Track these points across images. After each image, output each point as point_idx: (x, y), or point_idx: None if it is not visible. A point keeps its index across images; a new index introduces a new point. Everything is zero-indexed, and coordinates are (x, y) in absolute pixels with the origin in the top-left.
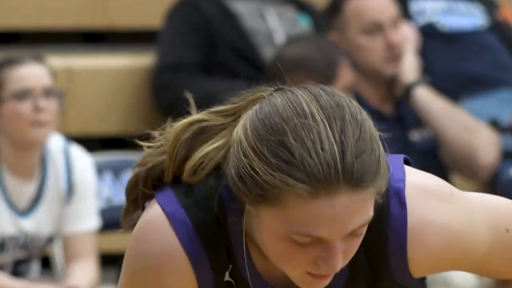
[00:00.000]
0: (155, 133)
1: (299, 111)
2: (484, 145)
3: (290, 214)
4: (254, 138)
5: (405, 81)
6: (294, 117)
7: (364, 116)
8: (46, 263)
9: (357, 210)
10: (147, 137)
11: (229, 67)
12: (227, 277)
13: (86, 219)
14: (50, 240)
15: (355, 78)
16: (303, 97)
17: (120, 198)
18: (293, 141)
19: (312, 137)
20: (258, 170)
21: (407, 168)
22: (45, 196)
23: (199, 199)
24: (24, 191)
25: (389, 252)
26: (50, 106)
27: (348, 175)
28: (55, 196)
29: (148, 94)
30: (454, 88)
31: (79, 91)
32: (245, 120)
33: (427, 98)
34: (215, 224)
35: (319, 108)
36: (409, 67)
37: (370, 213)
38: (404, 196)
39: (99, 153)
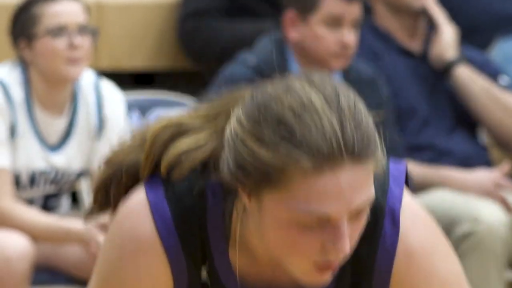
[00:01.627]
0: (132, 132)
1: (293, 92)
2: None
3: (295, 193)
4: (251, 125)
5: (444, 58)
6: (289, 98)
7: (354, 94)
8: (75, 198)
9: (360, 184)
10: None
11: (251, 9)
12: (203, 275)
13: None
14: (80, 175)
15: (383, 12)
16: (294, 79)
17: None
18: (292, 119)
19: (309, 113)
20: (259, 153)
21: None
22: (76, 131)
23: (183, 194)
24: (55, 126)
25: (375, 270)
26: (84, 43)
27: (350, 147)
28: (85, 131)
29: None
30: (489, 27)
31: (109, 26)
32: (237, 114)
33: (467, 79)
34: (196, 221)
35: (312, 88)
36: (448, 42)
37: (372, 190)
38: (399, 218)
39: (129, 89)
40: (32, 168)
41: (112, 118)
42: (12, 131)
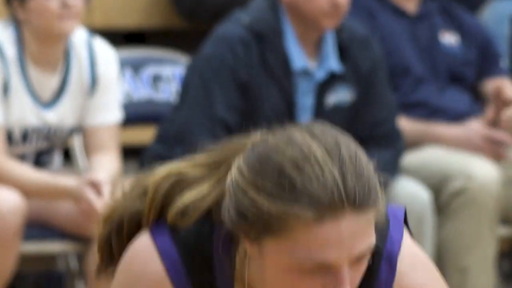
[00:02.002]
0: (126, 185)
1: (294, 143)
2: None
3: (296, 241)
4: (252, 175)
5: None
6: (289, 149)
7: (354, 143)
8: (67, 154)
9: (361, 232)
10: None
11: None
12: None
13: (109, 111)
14: (72, 132)
15: None
16: (294, 130)
17: (139, 93)
18: (292, 171)
19: (310, 164)
20: (260, 204)
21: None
22: (69, 89)
23: (189, 239)
24: (48, 83)
25: None
26: (77, 2)
27: (351, 198)
28: (78, 88)
29: None
30: None
31: None
32: (238, 164)
33: None
34: (203, 263)
35: (312, 138)
36: None
37: (373, 237)
38: (396, 262)
39: (122, 47)
40: (25, 124)
41: (105, 76)
42: (5, 88)
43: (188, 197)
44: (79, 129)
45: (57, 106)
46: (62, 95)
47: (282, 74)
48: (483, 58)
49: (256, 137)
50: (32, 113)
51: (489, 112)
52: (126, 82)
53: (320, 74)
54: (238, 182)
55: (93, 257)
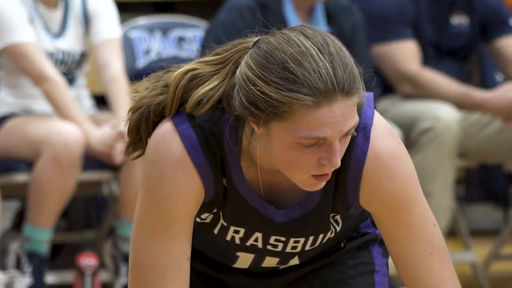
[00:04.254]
0: (145, 82)
1: (292, 43)
2: None
3: (298, 123)
4: (259, 70)
5: None
6: (289, 48)
7: (339, 41)
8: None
9: (349, 113)
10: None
11: None
12: (224, 182)
13: (108, 30)
14: (83, 56)
15: None
16: (290, 32)
17: (167, 52)
18: (294, 65)
19: (307, 59)
20: (269, 93)
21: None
22: (70, 21)
23: (203, 123)
24: (54, 17)
25: (348, 173)
26: None
27: (341, 85)
28: (78, 20)
29: None
30: None
31: None
32: (246, 61)
33: None
34: (215, 142)
35: (306, 38)
36: None
37: (357, 117)
38: (370, 132)
39: (150, 15)
40: (44, 50)
41: (95, 8)
42: (31, 20)
43: (202, 90)
44: (87, 53)
45: (65, 36)
46: (67, 27)
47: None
48: (492, 21)
49: (257, 39)
50: (47, 42)
51: None
52: (157, 43)
53: None
54: (248, 76)
55: (126, 182)
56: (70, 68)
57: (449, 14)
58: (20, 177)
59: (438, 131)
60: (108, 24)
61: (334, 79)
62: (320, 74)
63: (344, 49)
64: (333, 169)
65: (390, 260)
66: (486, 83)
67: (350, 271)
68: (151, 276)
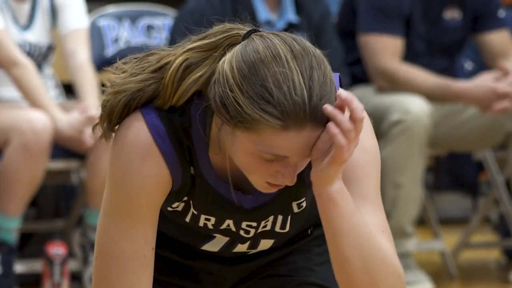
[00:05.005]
0: (127, 64)
1: (278, 59)
2: None
3: (264, 139)
4: (240, 77)
5: None
6: (273, 65)
7: (326, 62)
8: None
9: (315, 138)
10: None
11: None
12: (192, 171)
13: (75, 21)
14: (50, 48)
15: None
16: (280, 45)
17: (135, 40)
18: (273, 86)
19: (287, 83)
20: (242, 104)
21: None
22: (38, 14)
23: (171, 113)
24: (22, 10)
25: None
26: None
27: (313, 114)
28: (45, 13)
29: None
30: None
31: None
32: (231, 57)
33: None
34: (183, 131)
35: (293, 58)
36: None
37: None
38: None
39: (119, 3)
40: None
41: (63, 2)
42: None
43: (187, 82)
44: (53, 47)
45: (32, 28)
46: (34, 20)
47: (250, 25)
48: (482, 13)
49: (248, 30)
50: (15, 34)
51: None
52: (125, 31)
53: (280, 24)
54: (227, 77)
55: (93, 171)
56: (37, 60)
57: (441, 9)
58: None
59: (408, 123)
60: (75, 15)
61: (307, 107)
62: (295, 102)
63: (328, 76)
64: (286, 184)
65: None
66: (455, 72)
67: (316, 258)
68: (114, 264)
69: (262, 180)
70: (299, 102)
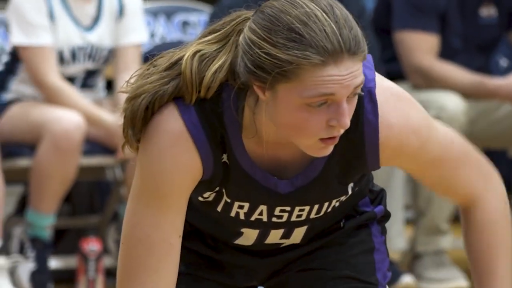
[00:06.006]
0: (141, 70)
1: (296, 5)
2: None
3: (306, 82)
4: (265, 33)
5: None
6: (294, 9)
7: (342, 5)
8: (110, 85)
9: (356, 71)
10: None
11: None
12: (225, 159)
13: (135, 32)
14: (111, 52)
15: None
16: None
17: (170, 36)
18: (300, 26)
19: (313, 20)
20: (276, 54)
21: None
22: (103, 15)
23: (203, 101)
24: (86, 10)
25: (365, 140)
26: None
27: (347, 45)
28: (111, 14)
29: None
30: None
31: None
32: (250, 26)
33: None
34: (216, 118)
35: (311, 1)
36: None
37: (362, 76)
38: (375, 95)
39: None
40: (72, 44)
41: (130, 3)
42: (50, 16)
43: (210, 72)
44: (115, 49)
45: (96, 29)
46: (99, 20)
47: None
48: None
49: (250, 12)
50: (76, 35)
51: None
52: (161, 27)
53: None
54: (252, 40)
55: (131, 166)
56: (97, 63)
57: (477, 6)
58: (23, 162)
59: (443, 120)
60: (139, 26)
61: (340, 38)
62: (327, 34)
63: (348, 13)
64: (342, 131)
65: (388, 238)
66: (490, 69)
67: (349, 250)
68: (140, 249)
69: (315, 139)
70: (330, 34)
